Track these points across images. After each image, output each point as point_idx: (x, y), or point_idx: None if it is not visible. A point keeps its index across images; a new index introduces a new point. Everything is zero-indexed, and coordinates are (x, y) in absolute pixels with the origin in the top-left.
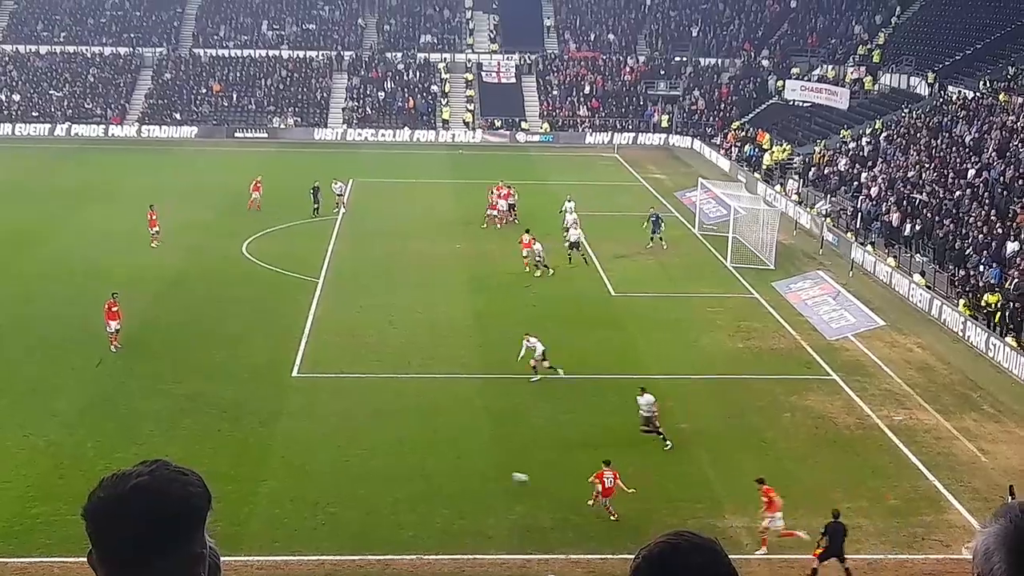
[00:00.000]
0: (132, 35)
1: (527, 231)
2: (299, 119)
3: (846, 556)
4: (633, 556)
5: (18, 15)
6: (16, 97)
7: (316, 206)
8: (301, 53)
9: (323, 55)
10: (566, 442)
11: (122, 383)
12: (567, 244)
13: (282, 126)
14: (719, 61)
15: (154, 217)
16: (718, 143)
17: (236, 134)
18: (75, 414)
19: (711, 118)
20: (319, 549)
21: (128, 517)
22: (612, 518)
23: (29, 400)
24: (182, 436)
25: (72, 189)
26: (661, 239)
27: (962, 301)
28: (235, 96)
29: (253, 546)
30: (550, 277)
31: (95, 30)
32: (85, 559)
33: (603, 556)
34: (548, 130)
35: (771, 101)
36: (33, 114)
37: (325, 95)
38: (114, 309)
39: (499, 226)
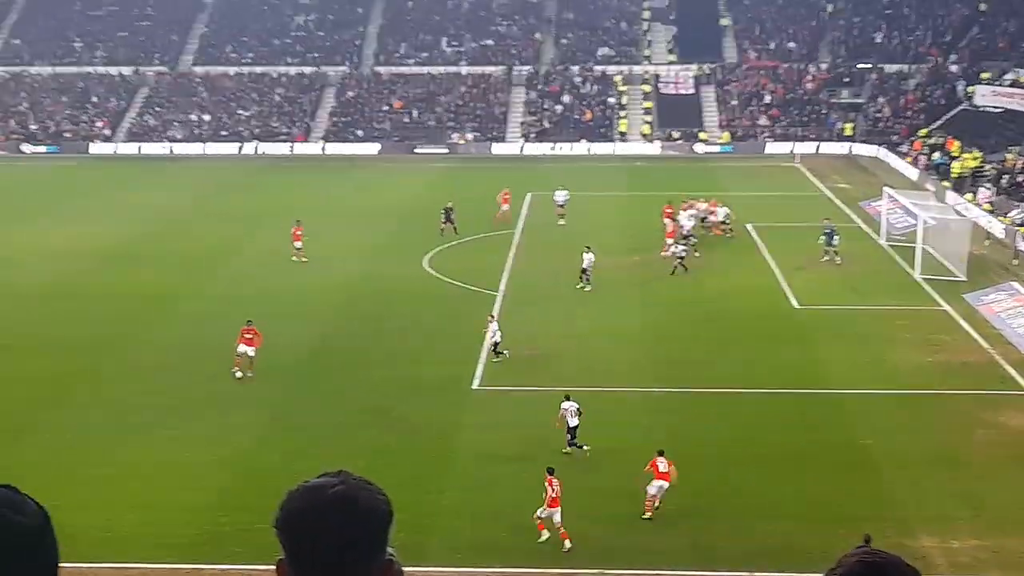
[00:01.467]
0: (316, 55)
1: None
2: (478, 134)
3: None
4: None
5: (208, 38)
6: (207, 117)
7: (447, 225)
8: (479, 69)
9: (501, 70)
10: (744, 459)
11: (306, 397)
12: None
13: (461, 141)
14: (905, 67)
15: (299, 232)
16: (904, 151)
17: (416, 150)
18: (260, 427)
19: (896, 125)
20: (500, 561)
21: (329, 525)
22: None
23: (215, 414)
24: (364, 448)
25: (259, 207)
26: (836, 252)
27: None
28: (416, 112)
29: (435, 557)
30: (586, 292)
31: (281, 51)
32: (275, 568)
33: (782, 574)
34: (727, 140)
35: (960, 107)
36: (223, 133)
37: (503, 110)
38: (247, 336)
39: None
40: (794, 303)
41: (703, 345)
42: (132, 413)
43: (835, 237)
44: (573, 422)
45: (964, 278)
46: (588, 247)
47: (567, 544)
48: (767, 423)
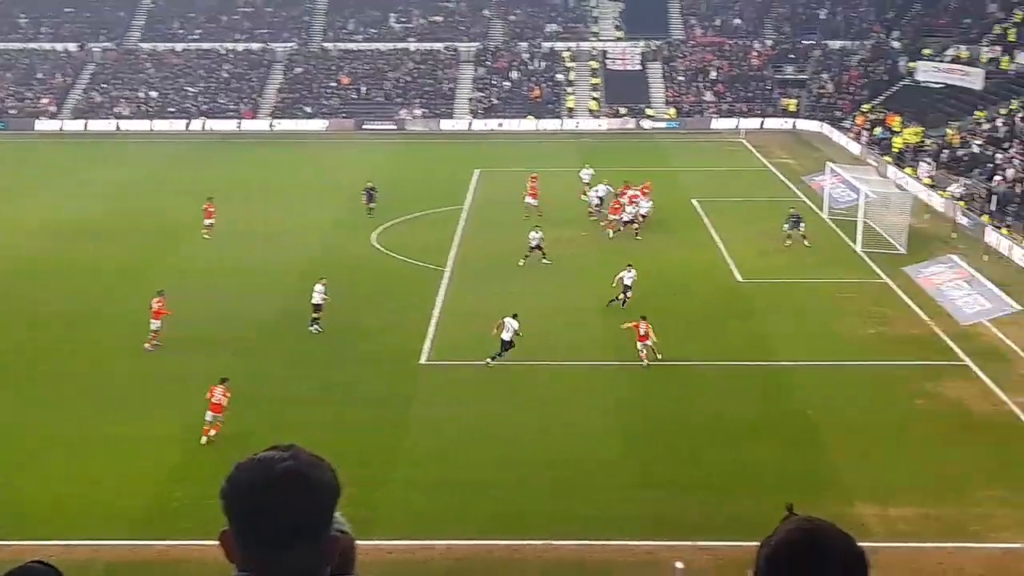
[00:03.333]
0: (264, 31)
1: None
2: (426, 110)
3: None
4: (760, 544)
5: (155, 14)
6: (154, 94)
7: (371, 206)
8: (428, 45)
9: (449, 46)
10: (693, 430)
11: (260, 373)
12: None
13: (409, 118)
14: (848, 43)
15: (211, 210)
16: (847, 127)
17: (365, 126)
18: None
19: (840, 101)
20: (450, 534)
21: (276, 500)
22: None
23: (172, 388)
24: (317, 423)
25: (210, 184)
26: (803, 236)
27: None
28: (364, 89)
29: (386, 530)
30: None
31: (228, 27)
32: (218, 539)
33: (731, 543)
34: (674, 116)
35: (902, 83)
36: (170, 110)
37: (451, 86)
38: (156, 306)
39: (611, 234)
40: (738, 277)
41: (650, 320)
42: (92, 389)
43: (801, 224)
44: (507, 336)
45: (904, 251)
46: (537, 226)
47: (203, 439)
48: (714, 395)
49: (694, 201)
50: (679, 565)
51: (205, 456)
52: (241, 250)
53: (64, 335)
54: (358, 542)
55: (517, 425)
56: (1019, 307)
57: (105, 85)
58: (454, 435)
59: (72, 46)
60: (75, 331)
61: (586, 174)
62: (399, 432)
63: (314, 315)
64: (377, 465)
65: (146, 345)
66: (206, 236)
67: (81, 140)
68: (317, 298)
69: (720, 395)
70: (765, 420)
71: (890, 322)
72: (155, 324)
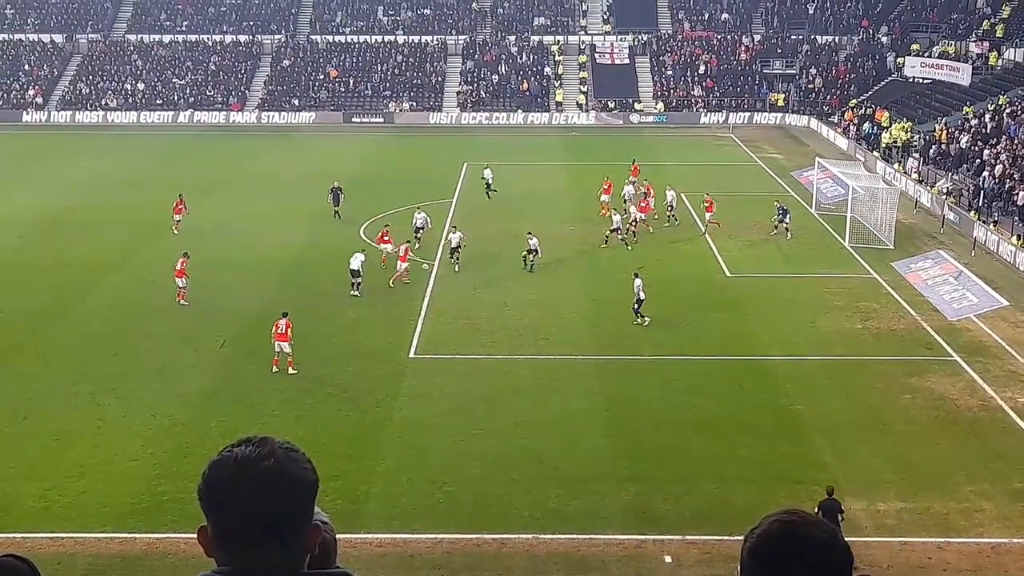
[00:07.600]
0: (251, 23)
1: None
2: (414, 103)
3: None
4: (744, 537)
5: (142, 5)
6: (141, 86)
7: (337, 209)
8: (416, 38)
9: (437, 39)
10: (680, 424)
11: (244, 366)
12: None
13: (398, 111)
14: (836, 38)
15: (180, 206)
16: (835, 122)
17: (353, 119)
18: (200, 395)
19: (828, 96)
20: (436, 527)
21: (253, 500)
22: (292, 370)
23: (157, 382)
24: (303, 417)
25: (197, 176)
26: (787, 228)
27: None
28: (352, 82)
29: (372, 524)
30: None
31: (216, 19)
32: (196, 534)
33: (719, 537)
34: (662, 110)
35: (890, 78)
36: (157, 102)
37: (440, 79)
38: (180, 266)
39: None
40: (727, 271)
41: (641, 312)
42: (75, 382)
43: (787, 216)
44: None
45: (892, 246)
46: (530, 232)
47: (291, 370)
48: (703, 389)
49: (683, 195)
50: (667, 559)
51: (193, 450)
52: (226, 243)
53: (45, 330)
54: (345, 535)
55: (504, 419)
56: (1006, 302)
57: (92, 76)
58: (440, 428)
59: (59, 37)
60: (56, 326)
61: (419, 218)
62: (385, 425)
63: (352, 280)
64: (363, 459)
65: (180, 300)
66: (175, 232)
67: (68, 132)
68: (355, 264)
69: (707, 389)
70: (752, 414)
71: (877, 317)
72: (180, 282)
